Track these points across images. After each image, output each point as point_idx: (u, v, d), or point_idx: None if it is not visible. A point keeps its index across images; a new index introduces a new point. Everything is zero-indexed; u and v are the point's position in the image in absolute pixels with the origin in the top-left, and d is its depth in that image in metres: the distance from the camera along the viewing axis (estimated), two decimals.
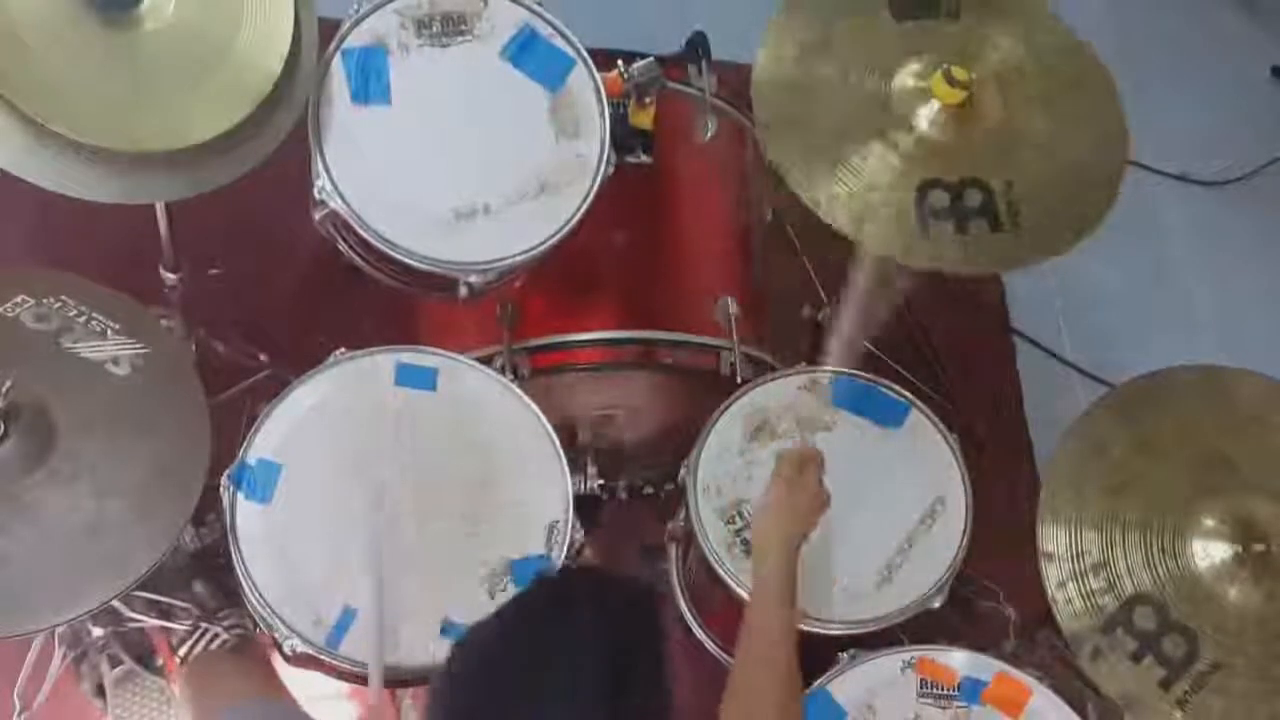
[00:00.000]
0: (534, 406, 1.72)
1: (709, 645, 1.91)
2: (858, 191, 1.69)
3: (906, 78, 1.75)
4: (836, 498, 1.77)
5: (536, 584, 1.36)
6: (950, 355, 2.44)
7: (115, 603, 1.63)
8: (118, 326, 1.57)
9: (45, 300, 1.56)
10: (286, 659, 1.57)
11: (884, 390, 1.86)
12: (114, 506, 1.46)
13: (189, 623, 1.87)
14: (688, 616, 1.92)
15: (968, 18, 1.83)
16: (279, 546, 1.58)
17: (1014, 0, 1.86)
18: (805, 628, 1.68)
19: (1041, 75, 1.80)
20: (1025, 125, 1.76)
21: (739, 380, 1.89)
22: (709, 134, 2.02)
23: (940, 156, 1.72)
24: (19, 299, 1.55)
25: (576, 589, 1.23)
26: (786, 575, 1.51)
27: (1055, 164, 1.75)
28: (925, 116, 1.73)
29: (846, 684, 1.62)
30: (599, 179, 1.73)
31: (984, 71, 1.77)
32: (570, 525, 1.66)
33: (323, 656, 1.55)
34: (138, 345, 1.56)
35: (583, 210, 1.72)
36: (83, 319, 1.56)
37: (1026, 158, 1.74)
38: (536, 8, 1.76)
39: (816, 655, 1.66)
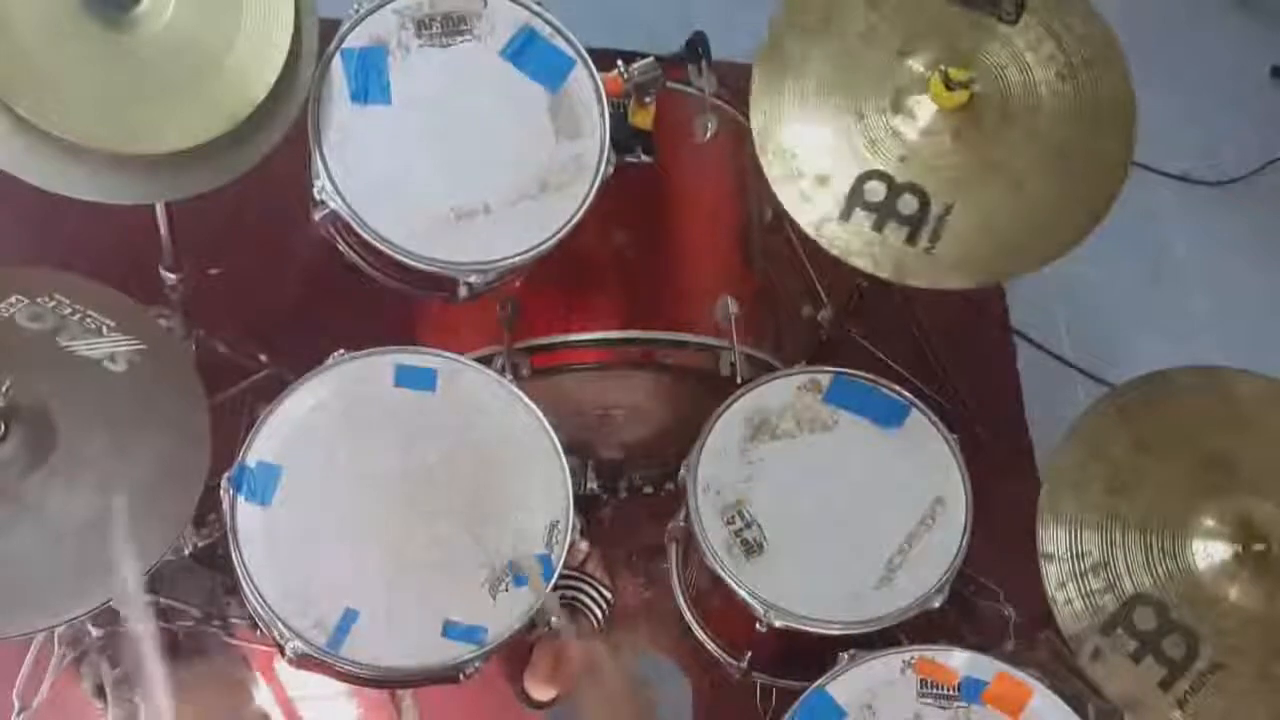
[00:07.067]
0: (534, 406, 1.72)
1: (709, 646, 1.91)
2: (806, 151, 1.71)
3: (918, 62, 1.75)
4: (836, 498, 1.77)
5: None
6: (950, 355, 2.44)
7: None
8: (113, 324, 1.56)
9: (39, 299, 1.55)
10: (289, 661, 1.57)
11: (884, 390, 1.85)
12: (116, 505, 1.45)
13: (189, 623, 1.87)
14: (688, 617, 1.92)
15: (1030, 26, 1.78)
16: (279, 549, 1.58)
17: (1086, 30, 1.79)
18: (805, 628, 1.68)
19: (1059, 117, 1.75)
20: (1007, 158, 1.73)
21: (739, 380, 1.89)
22: (709, 134, 2.02)
23: (902, 152, 1.72)
24: (13, 299, 1.54)
25: None
26: None
27: (1011, 209, 1.72)
28: (917, 109, 1.72)
29: (846, 684, 1.61)
30: (599, 179, 1.73)
31: (996, 88, 1.75)
32: (570, 525, 1.66)
33: (324, 658, 1.55)
34: (134, 342, 1.56)
35: (583, 210, 1.72)
36: (77, 317, 1.55)
37: (986, 191, 1.72)
38: (536, 8, 1.76)
39: (816, 655, 1.66)
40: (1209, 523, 1.63)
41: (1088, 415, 1.73)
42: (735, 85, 2.01)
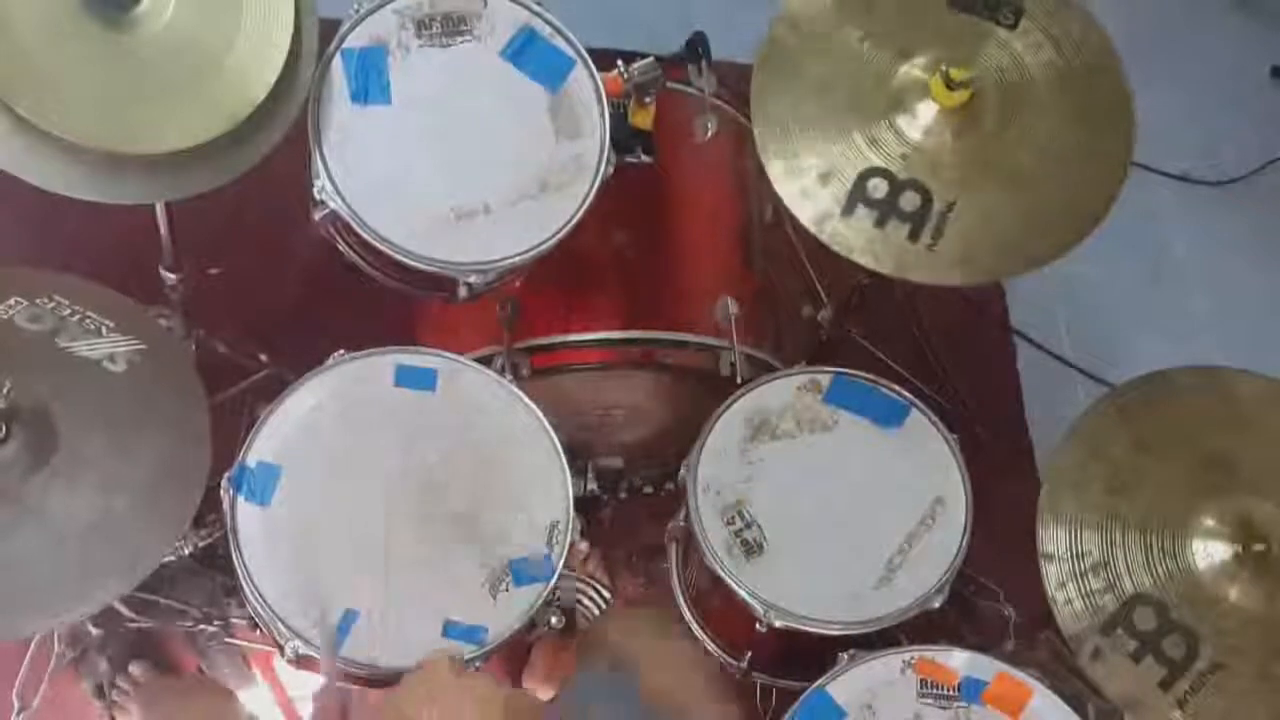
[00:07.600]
0: (534, 406, 1.72)
1: (710, 646, 1.91)
2: (807, 149, 1.72)
3: (918, 62, 1.75)
4: (836, 498, 1.77)
5: None
6: (950, 355, 2.44)
7: (115, 603, 1.63)
8: (112, 324, 1.56)
9: (38, 301, 1.55)
10: (289, 661, 1.57)
11: (884, 390, 1.85)
12: (118, 505, 1.45)
13: (188, 623, 1.87)
14: (688, 616, 1.92)
15: (1028, 30, 1.79)
16: (280, 549, 1.58)
17: (1081, 39, 1.79)
18: (805, 628, 1.68)
19: (1058, 118, 1.75)
20: (1007, 158, 1.73)
21: (739, 380, 1.89)
22: (709, 134, 2.02)
23: (904, 150, 1.72)
24: (12, 300, 1.54)
25: None
26: None
27: (1013, 206, 1.72)
28: (918, 109, 1.73)
29: (846, 684, 1.61)
30: (599, 179, 1.73)
31: (996, 89, 1.75)
32: (570, 525, 1.66)
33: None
34: (134, 342, 1.56)
35: (582, 210, 1.72)
36: (76, 318, 1.55)
37: (988, 188, 1.72)
38: (536, 8, 1.76)
39: (816, 655, 1.66)
40: (1209, 523, 1.63)
41: (1088, 415, 1.73)
42: (735, 85, 2.01)
